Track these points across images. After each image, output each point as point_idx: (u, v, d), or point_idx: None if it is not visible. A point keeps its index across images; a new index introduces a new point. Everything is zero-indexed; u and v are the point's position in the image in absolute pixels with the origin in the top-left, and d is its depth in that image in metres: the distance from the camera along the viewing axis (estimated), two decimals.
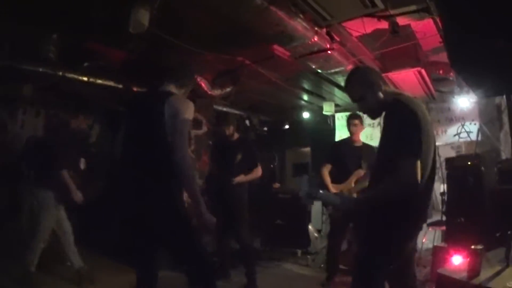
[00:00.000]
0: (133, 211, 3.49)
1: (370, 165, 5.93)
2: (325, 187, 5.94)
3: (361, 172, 6.01)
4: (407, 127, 2.86)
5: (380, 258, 3.01)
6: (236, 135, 6.27)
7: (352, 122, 6.28)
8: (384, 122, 3.18)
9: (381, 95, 3.19)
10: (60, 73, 6.30)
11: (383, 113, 3.22)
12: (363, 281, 3.08)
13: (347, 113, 10.53)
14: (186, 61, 4.21)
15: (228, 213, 5.92)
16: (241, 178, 6.00)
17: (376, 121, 10.63)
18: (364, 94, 3.23)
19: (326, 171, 6.11)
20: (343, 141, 6.67)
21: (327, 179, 6.01)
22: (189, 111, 3.41)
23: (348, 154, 6.16)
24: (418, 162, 2.83)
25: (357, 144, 6.30)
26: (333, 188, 5.87)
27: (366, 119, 10.48)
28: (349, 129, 6.36)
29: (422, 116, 2.93)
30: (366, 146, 6.40)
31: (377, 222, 3.02)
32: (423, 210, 3.18)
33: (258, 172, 6.21)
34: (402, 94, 3.19)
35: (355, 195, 5.83)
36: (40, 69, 6.05)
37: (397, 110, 2.99)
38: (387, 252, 3.02)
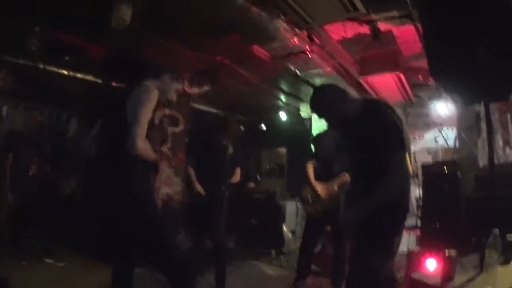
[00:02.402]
0: (105, 207, 3.46)
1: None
2: (309, 183, 5.88)
3: (347, 177, 5.85)
4: (393, 126, 2.99)
5: (380, 261, 3.06)
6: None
7: None
8: (359, 125, 3.18)
9: (350, 103, 3.27)
10: (41, 66, 6.24)
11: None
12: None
13: None
14: (172, 61, 4.14)
15: (205, 211, 5.86)
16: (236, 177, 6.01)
17: None
18: (333, 104, 3.27)
19: (311, 167, 5.98)
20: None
21: (311, 175, 5.88)
22: (148, 100, 3.37)
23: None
24: (407, 158, 2.96)
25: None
26: (317, 185, 5.77)
27: None
28: None
29: (399, 115, 3.09)
30: None
31: (374, 224, 3.03)
32: (407, 205, 3.28)
33: (236, 175, 6.17)
34: (376, 98, 3.23)
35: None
36: (21, 61, 5.99)
37: (379, 111, 3.07)
38: (386, 254, 3.09)
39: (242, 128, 12.67)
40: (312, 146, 6.22)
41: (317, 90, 3.57)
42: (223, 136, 6.03)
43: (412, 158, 3.23)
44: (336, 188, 5.70)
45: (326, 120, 3.46)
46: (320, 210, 5.74)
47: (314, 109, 3.49)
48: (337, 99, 3.27)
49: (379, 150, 2.98)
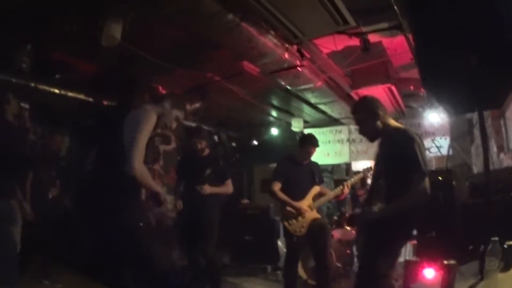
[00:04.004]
0: (100, 227, 3.45)
1: (319, 181, 6.16)
2: (285, 203, 5.88)
3: (317, 189, 6.03)
4: (417, 153, 3.45)
5: (385, 267, 3.45)
6: (206, 151, 6.21)
7: (312, 149, 6.07)
8: (387, 148, 3.78)
9: (379, 124, 3.75)
10: (33, 84, 6.20)
11: (381, 139, 3.86)
12: None
13: (315, 129, 10.58)
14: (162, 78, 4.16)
15: (196, 228, 5.84)
16: (210, 188, 5.85)
17: (345, 137, 10.73)
18: (365, 120, 3.84)
19: (277, 188, 5.92)
20: (290, 158, 6.28)
21: (285, 196, 5.88)
22: (147, 124, 3.40)
23: (300, 172, 6.03)
24: (426, 181, 3.44)
25: (306, 162, 6.13)
26: (300, 204, 5.80)
27: (336, 134, 10.60)
28: (304, 152, 6.08)
29: (421, 144, 3.59)
30: (312, 162, 6.28)
31: (383, 234, 3.46)
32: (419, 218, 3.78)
33: (228, 186, 6.13)
34: (405, 127, 3.82)
35: (315, 211, 5.94)
36: (13, 80, 5.94)
37: (404, 138, 3.57)
38: (391, 261, 3.52)
39: (233, 144, 12.77)
40: (280, 169, 6.18)
41: (357, 102, 4.19)
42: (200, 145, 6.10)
43: None
44: (311, 201, 5.81)
45: (360, 128, 4.00)
46: (305, 228, 5.80)
47: (354, 113, 4.05)
48: (367, 116, 3.82)
49: (401, 171, 3.48)
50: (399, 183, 3.46)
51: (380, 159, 3.86)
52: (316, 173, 6.17)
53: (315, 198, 6.01)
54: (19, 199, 5.21)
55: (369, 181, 6.05)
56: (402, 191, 3.43)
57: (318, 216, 5.95)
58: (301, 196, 5.90)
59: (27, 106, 5.97)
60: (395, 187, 3.49)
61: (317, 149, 6.09)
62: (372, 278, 3.48)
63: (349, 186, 6.06)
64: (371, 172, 5.69)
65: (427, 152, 8.95)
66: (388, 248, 3.51)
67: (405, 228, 3.61)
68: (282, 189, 5.93)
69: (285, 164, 6.10)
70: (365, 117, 3.84)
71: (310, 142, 6.05)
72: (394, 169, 3.56)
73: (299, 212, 5.78)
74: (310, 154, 6.09)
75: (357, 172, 6.30)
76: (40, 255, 6.02)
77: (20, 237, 5.33)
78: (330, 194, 6.07)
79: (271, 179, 6.02)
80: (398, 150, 3.56)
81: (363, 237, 3.97)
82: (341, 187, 6.01)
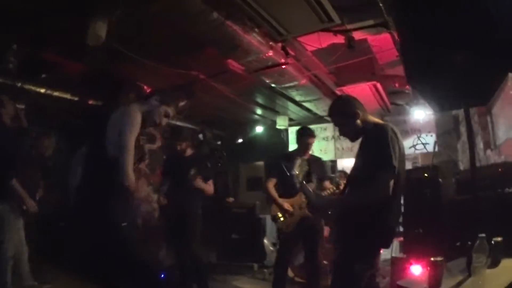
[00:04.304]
0: (89, 229, 3.43)
1: (320, 178, 6.05)
2: (273, 201, 5.91)
3: (312, 186, 5.99)
4: (385, 148, 3.25)
5: (359, 265, 3.30)
6: (189, 151, 6.20)
7: (310, 140, 6.03)
8: (364, 144, 3.60)
9: (359, 122, 3.59)
10: (19, 84, 6.16)
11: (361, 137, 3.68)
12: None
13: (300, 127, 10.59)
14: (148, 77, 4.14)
15: (180, 226, 5.84)
16: (199, 182, 5.87)
17: (330, 134, 10.75)
18: (344, 122, 3.70)
19: (271, 185, 5.98)
20: (287, 155, 6.38)
21: (275, 194, 5.91)
22: (133, 125, 3.36)
23: (295, 169, 5.98)
24: (392, 179, 3.26)
25: (305, 157, 6.10)
26: (283, 203, 5.81)
27: (321, 132, 10.59)
28: (303, 144, 6.06)
29: (396, 140, 3.36)
30: (313, 158, 6.25)
31: (356, 230, 3.34)
32: (396, 221, 3.64)
33: (210, 186, 6.12)
34: (384, 123, 3.61)
35: (306, 210, 5.86)
36: None
37: (377, 134, 3.39)
38: (365, 259, 3.36)
39: (219, 142, 12.76)
40: (276, 166, 6.14)
41: (333, 103, 3.97)
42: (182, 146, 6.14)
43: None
44: (304, 199, 5.77)
45: (339, 129, 3.86)
46: (293, 225, 5.78)
47: (330, 115, 3.92)
48: (346, 117, 3.66)
49: (371, 167, 3.30)
50: (367, 178, 3.33)
51: (357, 155, 3.73)
52: (315, 170, 6.09)
53: None
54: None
55: None
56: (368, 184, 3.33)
57: (309, 214, 5.92)
58: (293, 193, 5.87)
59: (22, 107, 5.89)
60: (365, 181, 3.36)
61: None
62: (345, 279, 3.41)
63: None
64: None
65: (412, 149, 9.01)
66: (361, 248, 3.36)
67: (381, 227, 3.39)
68: (276, 186, 5.96)
69: (281, 161, 6.10)
70: (343, 118, 3.72)
71: (307, 133, 6.05)
72: (366, 162, 3.47)
73: (284, 211, 5.78)
74: (310, 145, 6.05)
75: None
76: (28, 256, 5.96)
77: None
78: (323, 194, 5.96)
79: (266, 176, 6.04)
80: (370, 144, 3.48)
81: (334, 228, 3.95)
82: (334, 188, 5.95)
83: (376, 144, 3.36)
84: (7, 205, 5.42)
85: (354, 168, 3.74)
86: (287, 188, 5.92)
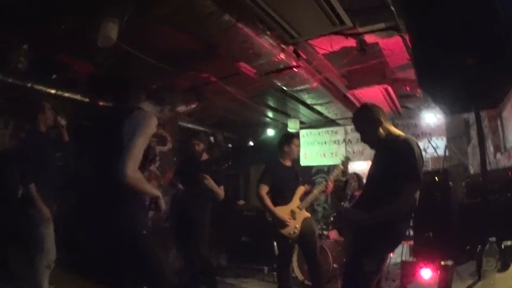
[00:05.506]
0: (97, 228, 3.42)
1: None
2: (267, 209, 5.93)
3: (303, 188, 6.07)
4: (413, 163, 3.48)
5: (369, 268, 3.47)
6: (205, 156, 6.22)
7: (295, 145, 6.22)
8: (387, 155, 3.72)
9: (381, 131, 3.77)
10: (29, 85, 6.17)
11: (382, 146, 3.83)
12: None
13: (312, 130, 10.60)
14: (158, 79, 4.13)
15: (190, 229, 5.85)
16: (211, 183, 5.84)
17: (341, 137, 10.72)
18: (367, 129, 3.87)
19: (265, 192, 5.93)
20: (275, 161, 6.32)
21: (269, 202, 5.87)
22: (147, 128, 3.34)
23: (285, 175, 6.09)
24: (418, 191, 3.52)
25: (288, 164, 6.22)
26: (279, 211, 5.81)
27: (332, 135, 10.59)
28: (289, 150, 6.19)
29: (420, 155, 3.58)
30: (293, 165, 6.40)
31: (370, 235, 3.50)
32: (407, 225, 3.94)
33: (221, 191, 6.09)
34: (405, 136, 3.80)
35: (304, 210, 5.99)
36: (10, 80, 5.90)
37: (404, 148, 3.56)
38: (375, 263, 3.53)
39: (230, 145, 12.78)
40: (267, 173, 6.18)
41: (357, 110, 4.18)
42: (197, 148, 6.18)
43: None
44: (299, 201, 5.93)
45: (361, 136, 4.03)
46: (298, 228, 5.84)
47: (354, 121, 4.12)
48: (368, 124, 3.84)
49: (398, 180, 3.46)
50: (391, 190, 3.48)
51: (377, 164, 3.86)
52: (298, 173, 6.30)
53: (302, 198, 6.05)
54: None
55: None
56: (392, 198, 3.46)
57: (308, 215, 6.02)
58: (288, 198, 5.96)
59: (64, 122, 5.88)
60: (386, 193, 3.50)
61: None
62: (356, 281, 3.54)
63: (332, 180, 6.11)
64: (349, 161, 6.55)
65: (423, 152, 9.06)
66: (374, 252, 3.54)
67: (393, 233, 3.61)
68: (269, 192, 5.96)
69: (271, 167, 6.15)
70: (367, 125, 3.85)
71: (291, 138, 6.26)
72: (390, 175, 3.55)
73: (285, 218, 5.78)
74: (295, 149, 6.23)
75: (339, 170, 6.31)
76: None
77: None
78: (315, 191, 6.10)
79: (258, 182, 6.04)
80: (396, 158, 3.56)
81: (349, 237, 3.99)
82: (324, 183, 6.09)
83: (404, 159, 3.50)
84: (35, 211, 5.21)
85: (373, 176, 3.88)
86: (283, 194, 6.00)
